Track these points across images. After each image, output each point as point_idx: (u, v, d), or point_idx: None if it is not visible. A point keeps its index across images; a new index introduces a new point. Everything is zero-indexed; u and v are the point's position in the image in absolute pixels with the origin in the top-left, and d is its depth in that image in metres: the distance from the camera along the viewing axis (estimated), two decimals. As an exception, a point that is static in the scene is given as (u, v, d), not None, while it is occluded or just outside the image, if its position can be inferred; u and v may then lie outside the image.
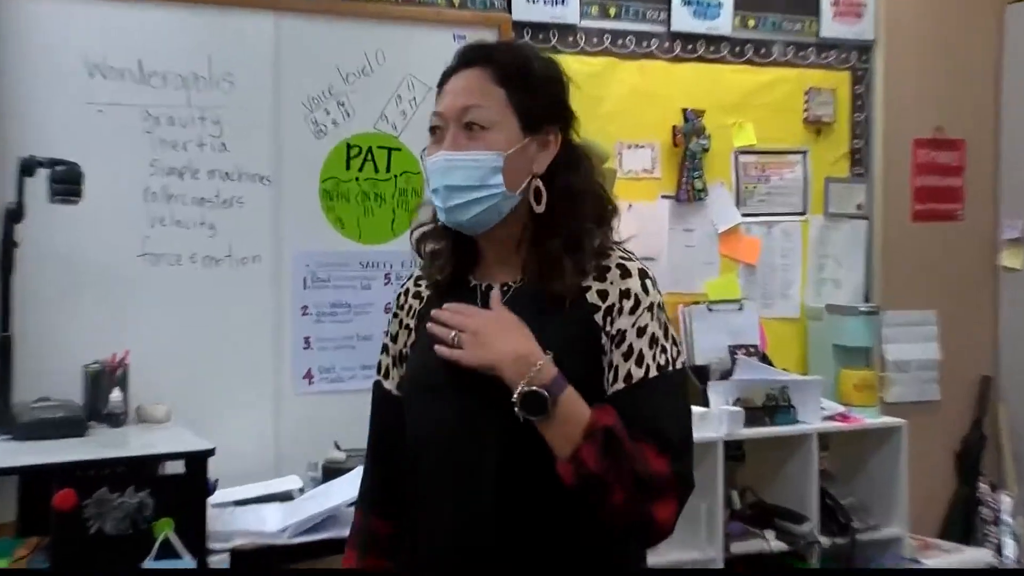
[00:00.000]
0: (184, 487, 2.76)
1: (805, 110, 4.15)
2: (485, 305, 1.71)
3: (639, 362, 1.64)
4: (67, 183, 2.88)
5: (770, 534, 3.59)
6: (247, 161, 3.41)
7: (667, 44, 3.91)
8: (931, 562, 3.85)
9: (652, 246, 3.82)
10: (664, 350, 1.66)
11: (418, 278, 1.84)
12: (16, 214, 2.86)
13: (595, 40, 3.81)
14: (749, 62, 4.03)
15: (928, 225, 4.39)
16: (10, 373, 2.88)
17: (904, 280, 4.32)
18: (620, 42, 3.85)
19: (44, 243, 3.04)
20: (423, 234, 1.80)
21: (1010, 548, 4.18)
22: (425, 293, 1.81)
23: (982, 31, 4.46)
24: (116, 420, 3.03)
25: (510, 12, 3.68)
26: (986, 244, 4.51)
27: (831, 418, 3.77)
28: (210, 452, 2.82)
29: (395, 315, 1.87)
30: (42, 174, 2.90)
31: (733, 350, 3.91)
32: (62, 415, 2.89)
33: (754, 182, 4.09)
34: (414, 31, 3.57)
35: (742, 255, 4.08)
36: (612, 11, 3.84)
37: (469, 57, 1.73)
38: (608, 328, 1.67)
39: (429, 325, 1.69)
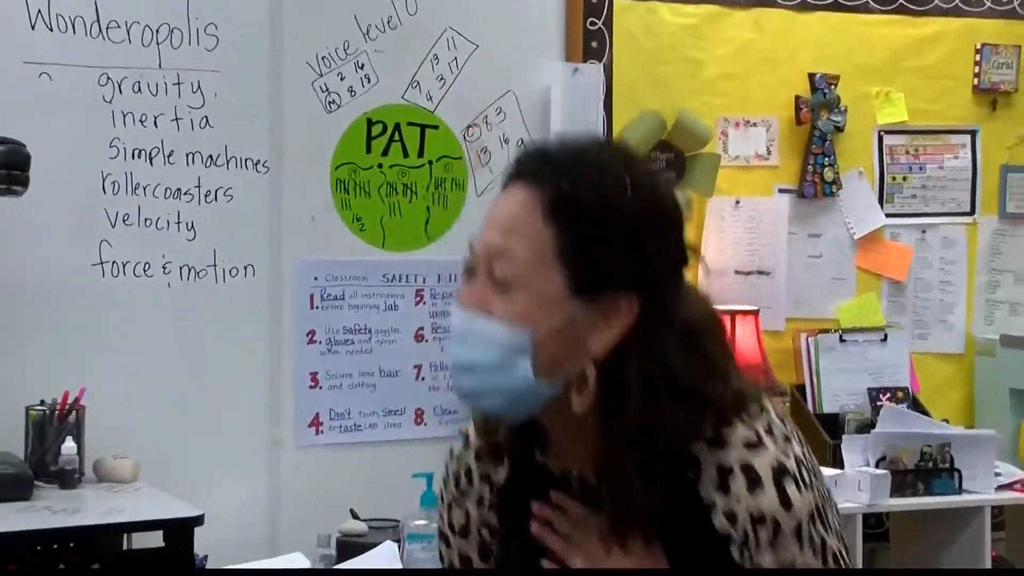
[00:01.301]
0: (163, 565, 2.86)
1: (976, 75, 4.23)
2: (585, 499, 1.70)
3: None
4: (8, 169, 2.92)
5: (924, 641, 3.67)
6: (237, 141, 3.49)
7: None
8: None
9: (766, 256, 3.91)
10: (815, 553, 1.64)
11: (476, 453, 1.84)
12: None
13: None
14: (901, 10, 4.12)
15: None
16: None
17: None
18: None
19: None
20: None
21: None
22: (497, 477, 1.82)
23: None
24: (69, 479, 3.11)
25: None
26: None
27: (1009, 487, 3.77)
28: (198, 520, 2.90)
29: (454, 503, 1.87)
30: None
31: (875, 394, 3.94)
32: (3, 472, 2.98)
33: (904, 171, 4.14)
34: None
35: (887, 269, 4.13)
36: None
37: (519, 166, 1.62)
38: (748, 564, 1.65)
39: (539, 531, 1.71)
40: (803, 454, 1.64)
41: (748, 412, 1.63)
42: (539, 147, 1.65)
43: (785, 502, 1.59)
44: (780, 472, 1.60)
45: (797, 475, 1.61)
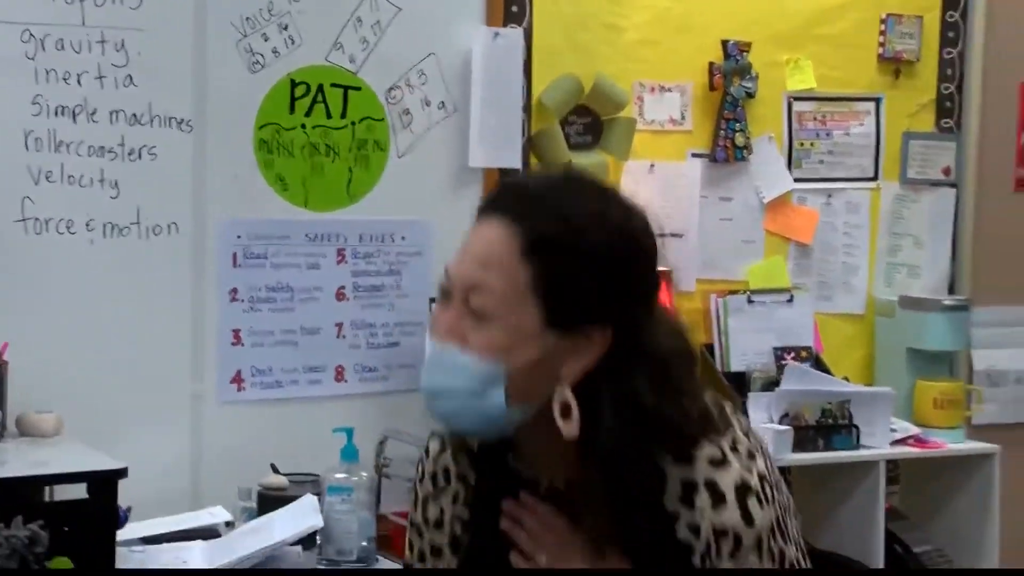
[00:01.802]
0: (86, 517, 2.86)
1: (881, 44, 4.23)
2: (552, 502, 1.74)
3: None
4: None
5: (822, 589, 3.76)
6: (161, 100, 3.46)
7: None
8: None
9: (678, 218, 3.94)
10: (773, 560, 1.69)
11: (451, 451, 1.87)
12: None
13: None
14: None
15: None
16: None
17: (1002, 267, 4.42)
18: None
19: None
20: None
21: None
22: (469, 475, 1.85)
23: None
24: None
25: None
26: None
27: (903, 442, 3.88)
28: (121, 472, 2.90)
29: (430, 497, 1.90)
30: None
31: (780, 353, 4.01)
32: None
33: (812, 138, 4.18)
34: None
35: (794, 232, 4.18)
36: None
37: (496, 201, 1.68)
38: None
39: (508, 528, 1.75)
40: (767, 468, 1.67)
41: (714, 430, 1.67)
42: (516, 182, 1.94)
43: (747, 518, 1.62)
44: (743, 489, 1.63)
45: (759, 491, 1.64)
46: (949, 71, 4.36)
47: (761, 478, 1.66)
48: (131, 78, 3.43)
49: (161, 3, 3.46)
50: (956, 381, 4.13)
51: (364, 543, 3.34)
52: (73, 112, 3.40)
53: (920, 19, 4.27)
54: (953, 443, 3.97)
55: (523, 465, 1.78)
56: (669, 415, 1.66)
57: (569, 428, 1.63)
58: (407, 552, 1.94)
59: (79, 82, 3.39)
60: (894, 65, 4.26)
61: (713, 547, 1.64)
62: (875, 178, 4.27)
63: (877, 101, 4.25)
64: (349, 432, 3.41)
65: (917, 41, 4.27)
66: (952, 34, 4.35)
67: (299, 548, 3.26)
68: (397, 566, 3.40)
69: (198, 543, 3.26)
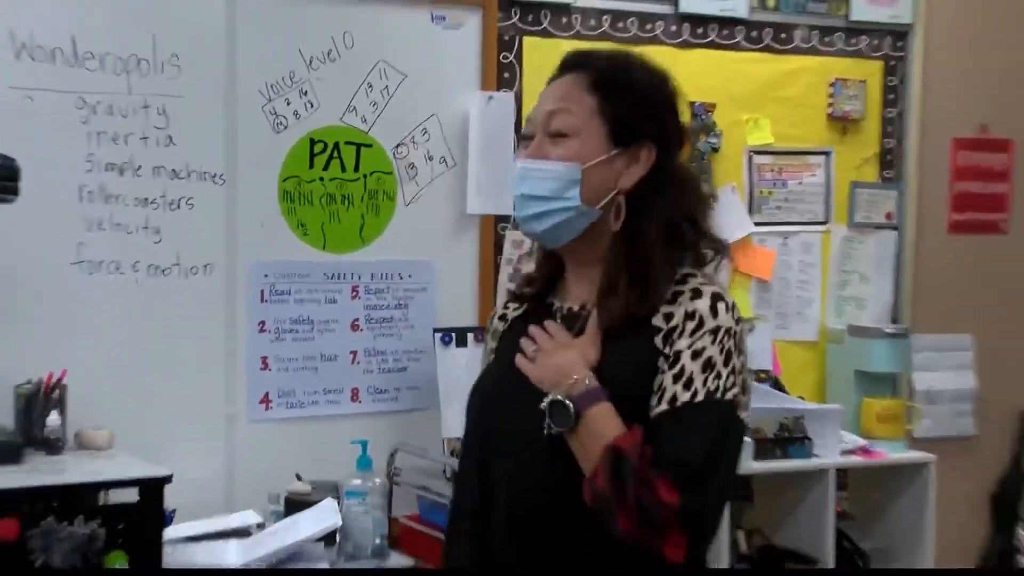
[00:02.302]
0: (138, 517, 2.93)
1: (830, 105, 4.30)
2: (567, 325, 1.94)
3: (687, 385, 1.80)
4: (3, 180, 2.95)
5: (781, 582, 3.83)
6: (197, 157, 3.51)
7: (674, 27, 4.07)
8: None
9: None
10: (718, 376, 1.80)
11: (507, 301, 2.13)
12: None
13: (592, 22, 3.98)
14: (767, 49, 4.20)
15: (968, 237, 4.56)
16: None
17: (938, 300, 4.48)
18: (620, 24, 4.01)
19: None
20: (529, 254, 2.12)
21: None
22: (511, 315, 2.09)
23: None
24: (54, 446, 3.16)
25: None
26: None
27: (851, 452, 3.97)
28: (167, 479, 2.97)
29: (492, 329, 2.15)
30: None
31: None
32: None
33: (769, 186, 4.27)
34: (386, 10, 3.71)
35: (754, 269, 4.26)
36: None
37: (567, 63, 1.97)
38: (666, 349, 1.84)
39: (522, 340, 1.94)
40: (738, 320, 1.87)
41: (712, 265, 1.96)
42: (580, 51, 2.02)
43: (714, 310, 1.84)
44: (717, 296, 1.86)
45: (729, 304, 1.86)
46: (890, 128, 4.43)
47: (732, 308, 1.86)
48: (171, 138, 3.48)
49: (196, 73, 3.50)
50: (898, 399, 4.22)
51: (377, 540, 3.38)
52: (121, 168, 3.44)
53: (864, 83, 4.34)
54: (894, 453, 4.06)
55: (555, 297, 2.01)
56: (702, 229, 1.93)
57: (616, 223, 1.89)
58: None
59: (126, 142, 3.43)
60: (842, 123, 4.33)
61: (680, 327, 1.84)
62: (826, 222, 4.34)
63: (827, 155, 4.33)
64: (364, 444, 3.45)
65: (861, 102, 4.34)
66: (892, 96, 4.43)
67: (321, 544, 3.34)
68: (408, 562, 3.45)
69: (233, 541, 3.31)
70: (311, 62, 3.68)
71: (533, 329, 1.94)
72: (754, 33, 4.22)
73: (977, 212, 4.62)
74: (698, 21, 4.14)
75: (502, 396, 1.98)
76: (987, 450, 4.50)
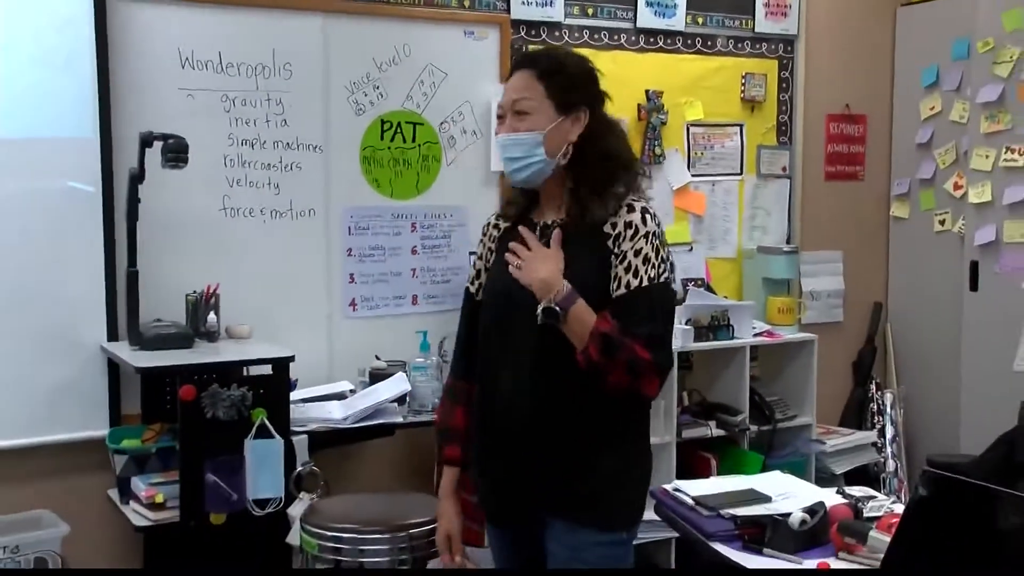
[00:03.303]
0: (272, 385, 2.99)
1: (742, 91, 4.28)
2: (542, 237, 2.00)
3: (635, 275, 1.90)
4: (176, 152, 3.05)
5: (712, 423, 3.90)
6: (303, 134, 3.53)
7: (633, 38, 4.05)
8: (830, 442, 4.16)
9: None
10: (654, 267, 1.91)
11: (497, 216, 2.18)
12: (139, 177, 3.08)
13: (576, 35, 3.96)
14: (698, 52, 4.18)
15: (836, 184, 4.57)
16: (137, 300, 3.11)
17: (817, 227, 4.49)
18: (596, 36, 3.99)
19: (156, 199, 3.19)
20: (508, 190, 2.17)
21: (889, 431, 4.45)
22: (503, 225, 2.15)
23: (880, 27, 4.60)
24: (212, 336, 3.23)
25: (509, 12, 3.82)
26: (881, 199, 4.67)
27: (760, 335, 4.03)
28: (291, 358, 3.05)
29: (481, 241, 2.19)
30: (157, 146, 3.05)
31: (685, 283, 4.15)
32: (174, 331, 3.11)
33: (701, 149, 4.23)
34: (433, 28, 3.71)
35: (692, 207, 4.24)
36: (590, 11, 3.98)
37: (519, 63, 2.05)
38: (615, 250, 1.92)
39: (506, 255, 2.00)
40: (659, 224, 1.98)
41: (640, 189, 2.02)
42: (526, 53, 2.17)
43: (643, 220, 1.95)
44: (644, 211, 1.96)
45: (652, 215, 1.97)
46: (783, 107, 4.41)
47: (654, 216, 1.97)
48: (285, 121, 3.51)
49: (303, 75, 3.51)
50: (791, 297, 4.22)
51: (436, 400, 3.35)
52: (251, 143, 3.47)
53: (765, 76, 4.32)
54: (789, 334, 4.09)
55: (535, 215, 2.08)
56: (625, 159, 2.02)
57: (564, 160, 1.96)
58: (469, 275, 2.23)
59: (255, 124, 3.47)
60: (750, 104, 4.32)
61: (623, 233, 1.93)
62: (741, 173, 4.31)
63: (741, 127, 4.31)
64: (424, 334, 3.59)
65: (764, 89, 4.33)
66: (784, 85, 4.39)
67: (395, 404, 3.39)
68: None
69: (335, 402, 3.35)
70: (381, 66, 3.68)
71: (512, 244, 1.99)
72: (689, 41, 4.18)
73: (843, 165, 4.61)
74: (650, 33, 4.11)
75: (506, 290, 2.02)
76: (850, 331, 4.68)
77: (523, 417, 1.97)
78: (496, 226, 2.17)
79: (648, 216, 1.96)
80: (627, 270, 1.91)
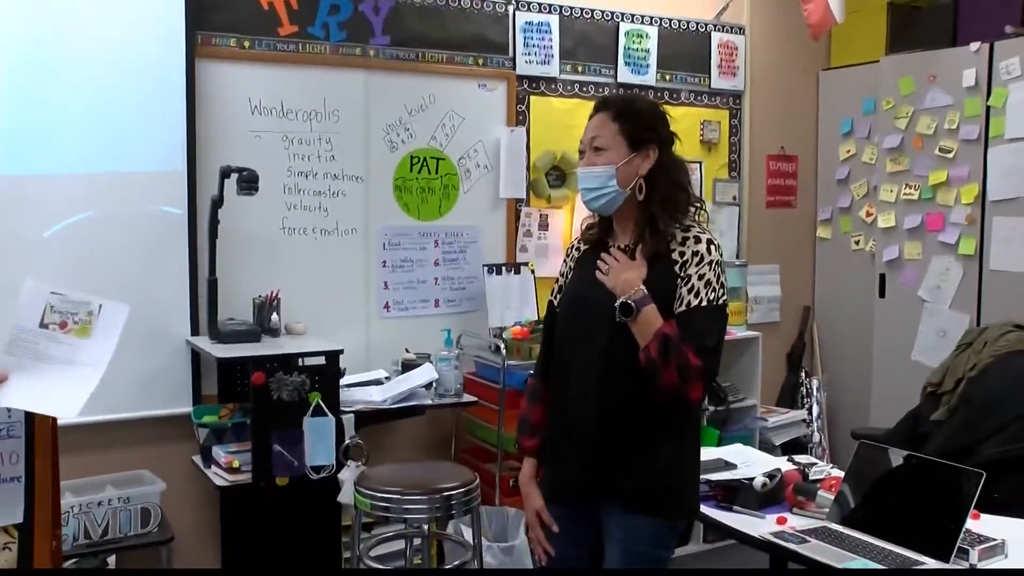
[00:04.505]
0: (325, 372, 3.00)
1: (701, 134, 4.30)
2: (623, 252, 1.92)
3: (696, 295, 1.82)
4: (249, 182, 3.09)
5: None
6: (348, 167, 3.54)
7: (614, 91, 4.01)
8: (771, 419, 4.15)
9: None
10: (714, 290, 1.83)
11: (579, 240, 2.08)
12: (218, 202, 3.11)
13: (568, 87, 3.97)
14: (666, 103, 4.03)
15: (775, 210, 4.60)
16: (215, 302, 3.14)
17: (760, 245, 4.52)
18: (584, 89, 3.99)
19: (230, 220, 3.20)
20: (588, 219, 2.07)
21: (815, 410, 4.48)
22: (582, 248, 2.06)
23: (807, 86, 4.64)
24: (274, 332, 3.24)
25: (515, 68, 3.83)
26: (809, 223, 4.69)
27: None
28: (341, 351, 3.05)
29: (564, 261, 2.10)
30: (233, 177, 3.09)
31: None
32: (245, 328, 3.14)
33: None
34: (453, 81, 3.72)
35: None
36: (579, 68, 3.99)
37: (598, 106, 1.96)
38: (682, 274, 1.84)
39: (599, 262, 1.91)
40: (721, 254, 1.88)
41: (703, 220, 1.94)
42: (604, 96, 2.02)
43: (708, 250, 1.86)
44: (710, 242, 1.88)
45: (716, 246, 1.88)
46: (734, 148, 4.40)
47: (717, 248, 1.87)
48: (333, 156, 3.51)
49: (348, 119, 3.51)
50: (740, 302, 4.20)
51: (457, 385, 3.45)
52: (306, 174, 3.48)
53: (719, 122, 4.32)
54: (740, 332, 4.07)
55: (611, 238, 1.98)
56: (687, 191, 1.94)
57: (640, 196, 1.87)
58: (553, 289, 2.09)
59: (308, 159, 3.47)
60: (708, 146, 4.32)
61: (690, 260, 1.84)
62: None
63: (700, 164, 4.30)
64: (448, 331, 3.63)
65: (718, 133, 4.33)
66: (734, 130, 4.38)
67: (424, 389, 3.37)
68: (472, 399, 3.48)
69: (374, 387, 3.34)
70: (411, 112, 3.68)
71: (605, 255, 1.92)
72: (659, 94, 4.15)
73: (780, 196, 4.63)
74: (628, 86, 4.08)
75: (582, 299, 1.98)
76: (786, 329, 4.72)
77: (589, 414, 1.89)
78: (577, 248, 2.07)
79: (712, 246, 1.88)
80: (690, 291, 1.82)
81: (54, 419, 1.76)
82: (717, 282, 1.85)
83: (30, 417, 1.97)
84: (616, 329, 1.86)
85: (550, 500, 2.04)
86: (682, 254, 1.86)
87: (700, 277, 1.83)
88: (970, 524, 2.15)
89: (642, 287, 1.82)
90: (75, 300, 1.63)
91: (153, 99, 3.16)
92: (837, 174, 4.62)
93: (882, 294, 4.22)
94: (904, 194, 4.13)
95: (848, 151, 4.57)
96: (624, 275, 1.84)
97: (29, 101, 2.99)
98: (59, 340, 1.62)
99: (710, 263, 1.85)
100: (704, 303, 1.82)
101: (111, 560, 2.96)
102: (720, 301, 1.84)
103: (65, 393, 1.57)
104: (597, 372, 1.89)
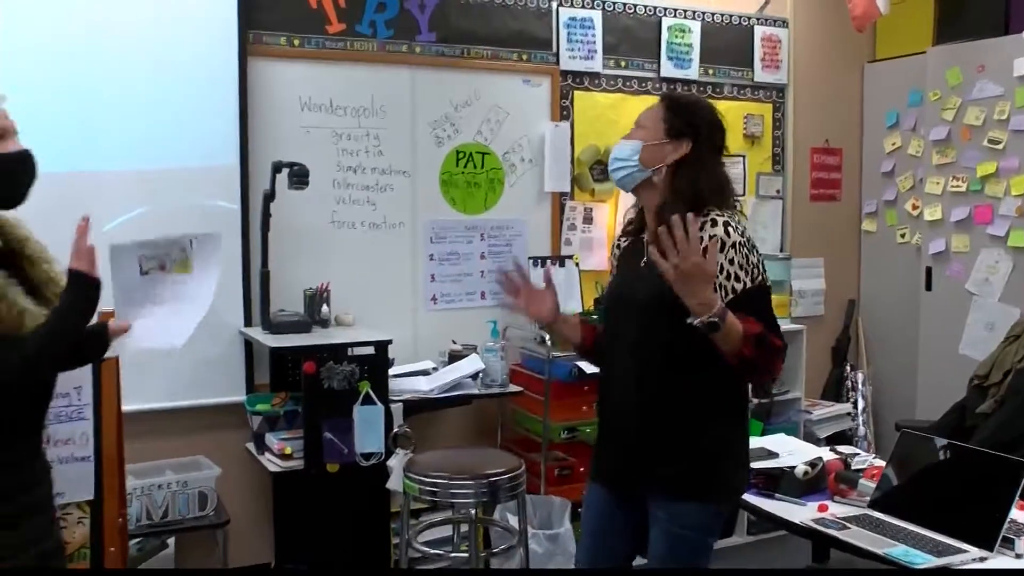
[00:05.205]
0: (374, 362, 3.04)
1: (744, 128, 4.28)
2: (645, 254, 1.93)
3: (737, 280, 1.81)
4: (300, 177, 3.16)
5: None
6: (395, 162, 3.58)
7: (657, 85, 4.04)
8: (815, 412, 4.12)
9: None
10: (747, 272, 1.82)
11: (619, 238, 2.10)
12: (270, 196, 3.18)
13: (612, 83, 3.98)
14: (710, 97, 4.08)
15: (819, 204, 4.55)
16: (268, 294, 3.19)
17: (804, 239, 4.48)
18: (628, 84, 4.01)
19: (281, 214, 3.24)
20: (629, 211, 2.08)
21: (860, 403, 4.45)
22: (622, 244, 2.08)
23: (852, 79, 4.59)
24: (325, 323, 3.29)
25: (559, 64, 3.83)
26: (854, 216, 4.64)
27: None
28: (390, 341, 3.09)
29: (613, 254, 2.13)
30: (284, 172, 3.16)
31: None
32: (297, 319, 3.18)
33: None
34: (498, 77, 3.75)
35: None
36: (622, 63, 4.00)
37: (661, 98, 2.02)
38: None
39: (650, 247, 1.88)
40: (743, 233, 1.84)
41: (726, 207, 1.90)
42: (668, 92, 2.06)
43: (727, 233, 1.82)
44: (727, 224, 1.84)
45: (734, 227, 1.84)
46: (777, 142, 4.38)
47: (740, 232, 1.83)
48: (381, 151, 3.54)
49: (395, 115, 3.54)
50: (785, 295, 4.18)
51: (504, 376, 3.50)
52: (354, 169, 3.51)
53: (762, 116, 4.32)
54: (784, 326, 3.66)
55: (645, 230, 1.98)
56: (713, 189, 1.89)
57: (659, 179, 1.88)
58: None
59: (357, 154, 3.51)
60: (751, 139, 4.30)
61: (711, 248, 1.78)
62: (744, 195, 4.29)
63: (743, 157, 4.29)
64: (494, 323, 3.64)
65: (761, 127, 4.31)
66: (778, 123, 4.37)
67: (471, 379, 3.42)
68: (517, 389, 3.50)
69: (421, 377, 3.38)
70: (456, 108, 3.71)
71: (665, 239, 1.78)
72: (702, 88, 4.14)
73: (824, 189, 4.58)
74: (671, 81, 4.08)
75: (621, 296, 2.01)
76: (830, 322, 4.66)
77: (630, 403, 1.92)
78: (618, 245, 2.10)
79: (731, 228, 1.84)
80: (728, 278, 1.80)
81: (119, 404, 1.83)
82: (747, 262, 1.83)
83: (98, 401, 2.05)
84: (650, 321, 1.87)
85: (595, 480, 2.07)
86: (700, 240, 1.81)
87: (731, 262, 1.82)
88: (1015, 514, 2.12)
89: (718, 301, 1.76)
90: (165, 242, 1.70)
91: (206, 97, 3.21)
92: (882, 167, 4.57)
93: (928, 287, 4.18)
94: (951, 186, 4.08)
95: (894, 143, 4.52)
96: (697, 298, 1.74)
97: (84, 99, 3.04)
98: (164, 281, 1.69)
99: (734, 245, 1.83)
100: (748, 285, 1.82)
101: (170, 542, 3.05)
102: (759, 279, 1.84)
103: (176, 326, 1.67)
104: (634, 365, 1.91)
